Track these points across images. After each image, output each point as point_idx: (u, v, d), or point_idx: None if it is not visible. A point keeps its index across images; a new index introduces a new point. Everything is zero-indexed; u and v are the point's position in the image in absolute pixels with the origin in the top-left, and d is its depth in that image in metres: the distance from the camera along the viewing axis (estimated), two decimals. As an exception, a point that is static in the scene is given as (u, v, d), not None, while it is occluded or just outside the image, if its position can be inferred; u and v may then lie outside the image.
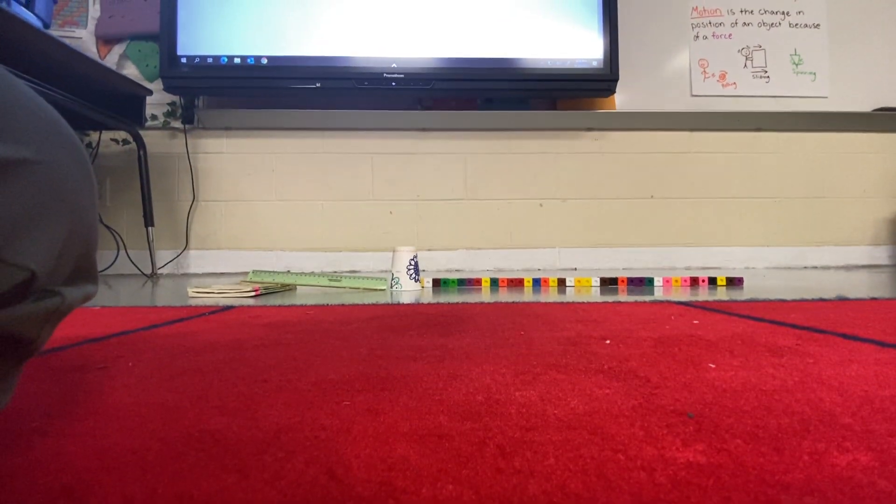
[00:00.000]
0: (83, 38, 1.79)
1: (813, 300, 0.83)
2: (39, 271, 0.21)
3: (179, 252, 1.80)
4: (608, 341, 0.50)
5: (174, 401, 0.32)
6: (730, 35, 1.92)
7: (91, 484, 0.20)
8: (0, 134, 0.20)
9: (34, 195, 0.21)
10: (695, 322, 0.61)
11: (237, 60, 1.64)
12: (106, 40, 1.80)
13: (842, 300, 0.83)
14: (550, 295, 0.99)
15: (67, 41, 1.27)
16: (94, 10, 1.80)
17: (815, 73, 1.93)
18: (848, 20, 1.94)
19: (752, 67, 1.92)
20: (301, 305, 0.85)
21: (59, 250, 0.22)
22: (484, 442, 0.25)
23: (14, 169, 0.20)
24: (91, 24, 1.79)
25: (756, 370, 0.38)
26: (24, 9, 1.26)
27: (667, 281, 1.17)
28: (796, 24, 1.93)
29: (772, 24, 1.93)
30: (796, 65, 1.93)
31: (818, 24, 1.93)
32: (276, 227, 1.83)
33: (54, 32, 1.65)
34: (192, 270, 1.81)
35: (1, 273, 0.19)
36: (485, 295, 1.01)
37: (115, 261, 1.76)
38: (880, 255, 1.96)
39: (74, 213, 0.23)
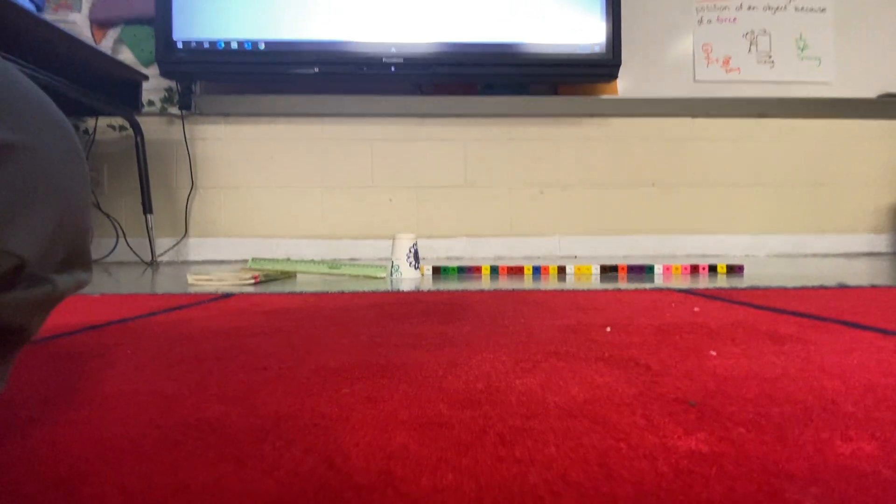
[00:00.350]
0: (77, 23, 1.76)
1: (814, 288, 0.83)
2: (29, 258, 0.20)
3: (179, 239, 1.80)
4: (609, 329, 0.50)
5: (172, 389, 0.32)
6: (734, 19, 1.89)
7: (87, 473, 0.20)
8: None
9: (23, 181, 0.20)
10: (695, 310, 0.61)
11: (234, 45, 1.61)
12: (101, 24, 1.77)
13: (843, 288, 0.83)
14: (550, 283, 0.99)
15: (62, 25, 1.24)
16: (88, -6, 1.76)
17: (820, 59, 1.90)
18: (854, 4, 1.91)
19: (757, 52, 1.89)
20: (300, 293, 0.84)
21: (49, 237, 0.21)
22: (484, 430, 0.24)
23: (2, 154, 0.20)
24: (85, 8, 1.76)
25: (758, 358, 0.38)
26: (15, -9, 1.23)
27: (667, 268, 1.17)
28: (802, 8, 1.90)
29: (777, 7, 1.89)
30: (801, 50, 1.90)
31: (824, 9, 1.90)
32: (275, 215, 1.83)
33: (48, 17, 1.62)
34: (191, 258, 1.81)
35: None
36: (485, 283, 1.00)
37: (114, 248, 1.76)
38: (881, 243, 1.95)
39: (65, 199, 0.22)
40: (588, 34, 1.68)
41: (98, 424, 0.26)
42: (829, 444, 0.22)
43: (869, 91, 1.90)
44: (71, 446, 0.23)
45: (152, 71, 1.69)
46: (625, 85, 1.85)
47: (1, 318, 0.20)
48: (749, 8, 1.89)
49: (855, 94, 1.89)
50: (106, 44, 1.77)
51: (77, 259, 0.24)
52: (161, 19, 1.59)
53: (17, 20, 1.08)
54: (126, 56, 1.77)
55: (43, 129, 0.22)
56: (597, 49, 1.68)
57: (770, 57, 1.89)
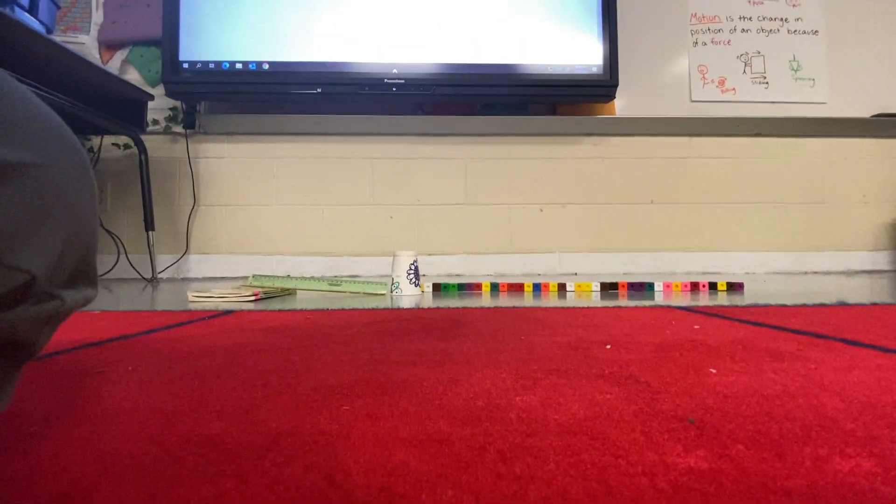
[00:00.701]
0: (86, 44, 1.80)
1: (814, 305, 0.83)
2: (39, 274, 0.21)
3: (180, 256, 1.80)
4: (609, 346, 0.50)
5: (173, 405, 0.32)
6: (728, 41, 1.93)
7: (89, 489, 0.20)
8: (2, 138, 0.20)
9: (35, 199, 0.21)
10: (695, 327, 0.61)
11: (239, 66, 1.64)
12: (109, 46, 1.81)
13: (842, 305, 0.83)
14: (551, 300, 0.99)
15: (70, 47, 1.27)
16: (98, 16, 1.81)
17: (813, 79, 1.93)
18: (846, 27, 1.95)
19: (752, 73, 1.93)
20: (301, 310, 0.85)
21: (59, 254, 0.22)
22: (484, 447, 0.24)
23: (15, 173, 0.20)
24: (94, 30, 1.81)
25: (757, 375, 0.38)
26: (27, 14, 1.27)
27: (667, 286, 1.17)
28: (794, 31, 1.94)
29: (770, 30, 1.94)
30: (795, 71, 1.93)
31: (816, 31, 1.94)
32: (276, 232, 1.84)
33: (57, 38, 1.66)
34: (192, 275, 1.81)
35: (0, 276, 0.19)
36: (485, 300, 1.00)
37: (115, 265, 1.76)
38: (881, 261, 1.96)
39: (75, 217, 0.23)
40: (585, 55, 1.72)
41: (99, 440, 0.26)
42: (827, 462, 0.22)
43: (863, 111, 1.93)
44: (72, 462, 0.23)
45: (158, 91, 1.72)
46: (622, 105, 1.88)
47: (10, 332, 0.20)
48: (742, 31, 1.94)
49: (849, 114, 1.91)
50: (113, 64, 1.81)
51: (84, 275, 0.24)
52: (168, 41, 1.62)
53: (28, 41, 1.10)
54: (133, 77, 1.81)
55: (55, 148, 0.23)
56: (594, 70, 1.72)
57: (764, 78, 1.93)
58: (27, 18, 1.26)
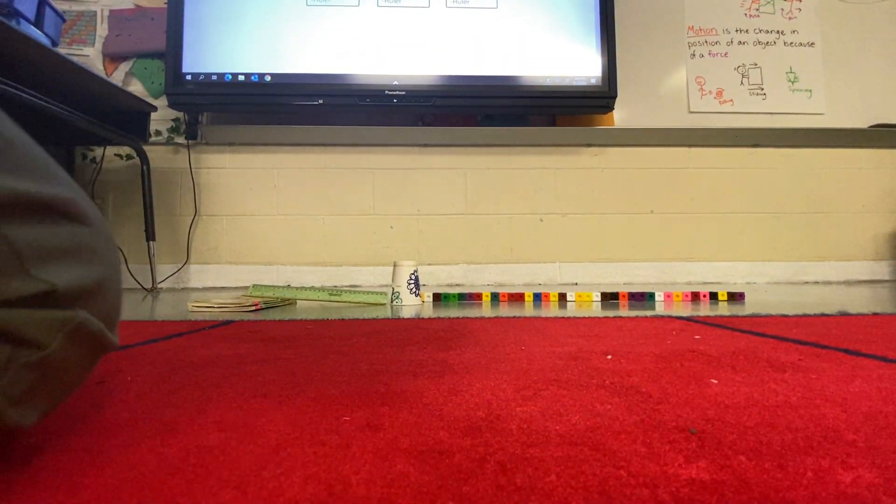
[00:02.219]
0: (90, 56, 1.82)
1: (815, 315, 0.83)
2: (61, 287, 0.23)
3: (180, 266, 1.80)
4: (609, 356, 0.50)
5: (172, 416, 0.32)
6: (726, 53, 1.95)
7: (87, 501, 0.20)
8: (54, 183, 0.25)
9: (78, 239, 0.25)
10: (696, 337, 0.61)
11: (241, 77, 1.66)
12: (113, 58, 1.83)
13: (844, 315, 0.82)
14: (551, 310, 0.99)
15: (75, 59, 1.29)
16: (102, 29, 1.83)
17: (810, 91, 1.95)
18: (841, 39, 1.97)
19: (749, 85, 1.95)
20: (301, 320, 0.84)
21: (89, 286, 0.25)
22: (484, 458, 0.24)
23: (70, 217, 0.25)
24: (99, 43, 1.83)
25: (758, 386, 0.38)
26: (33, 27, 1.29)
27: (668, 296, 1.17)
28: (791, 43, 1.96)
29: (766, 42, 1.96)
30: (792, 82, 1.95)
31: (812, 43, 1.96)
32: (276, 242, 1.84)
33: (62, 50, 1.68)
34: (192, 285, 1.81)
35: (24, 283, 0.22)
36: (485, 310, 1.00)
37: (115, 275, 1.76)
38: (881, 271, 1.95)
39: (107, 266, 0.27)
40: (584, 67, 1.73)
41: (98, 451, 0.26)
42: (829, 473, 0.22)
43: (860, 122, 1.94)
44: (71, 474, 0.23)
45: (161, 102, 1.74)
46: (621, 116, 1.90)
47: (22, 330, 0.22)
48: (739, 43, 1.96)
49: (847, 125, 1.93)
50: (117, 76, 1.82)
51: (108, 321, 0.27)
52: (172, 53, 1.64)
53: (33, 53, 1.12)
54: (136, 88, 1.83)
55: (90, 206, 0.27)
56: (593, 81, 1.73)
57: (762, 89, 1.95)
58: (33, 31, 1.28)
